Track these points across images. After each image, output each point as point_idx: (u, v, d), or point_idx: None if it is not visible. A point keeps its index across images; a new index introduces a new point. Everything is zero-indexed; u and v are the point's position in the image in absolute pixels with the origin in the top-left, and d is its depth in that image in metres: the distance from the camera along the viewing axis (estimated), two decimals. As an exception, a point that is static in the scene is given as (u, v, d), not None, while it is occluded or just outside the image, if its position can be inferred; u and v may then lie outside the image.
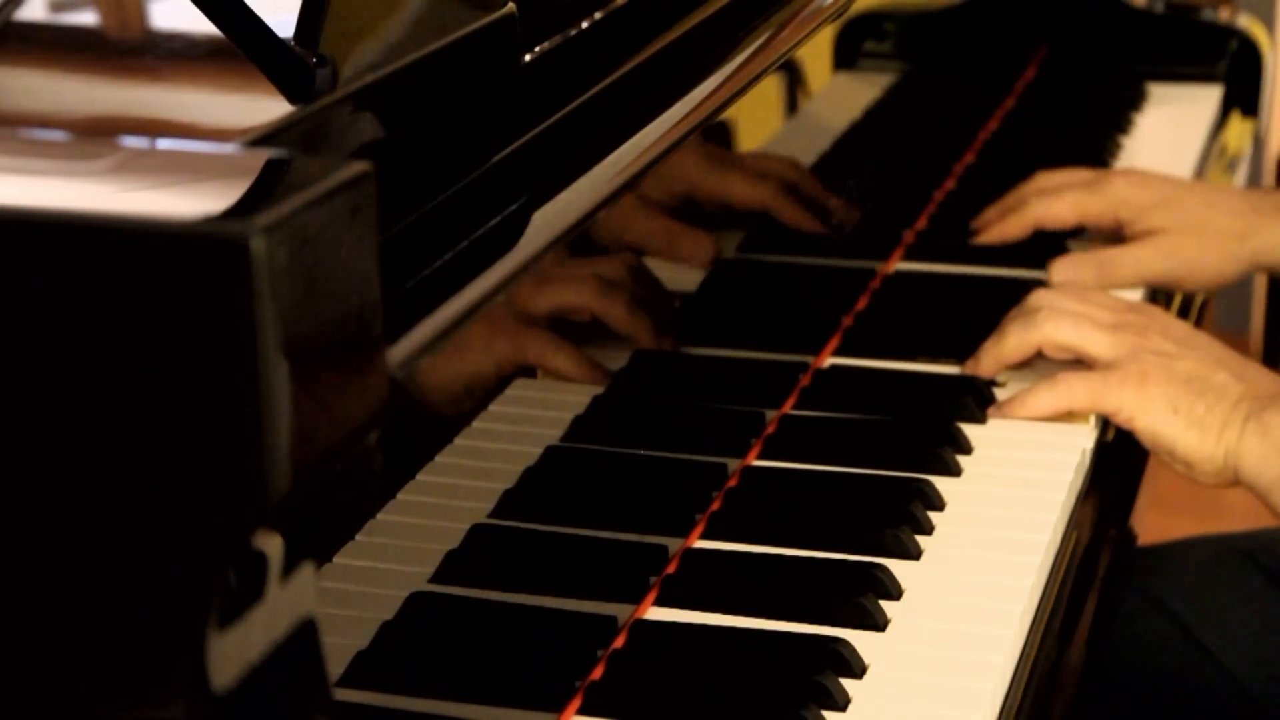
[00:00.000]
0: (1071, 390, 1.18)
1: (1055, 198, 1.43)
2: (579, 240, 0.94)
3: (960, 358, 1.27)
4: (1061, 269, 1.38)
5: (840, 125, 1.42)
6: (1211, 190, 1.47)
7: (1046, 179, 1.47)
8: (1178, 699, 1.30)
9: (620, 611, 0.99)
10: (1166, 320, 1.24)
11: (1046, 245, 1.43)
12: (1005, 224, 1.44)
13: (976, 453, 1.17)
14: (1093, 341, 1.20)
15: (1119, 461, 1.23)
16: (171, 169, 0.69)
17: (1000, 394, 1.23)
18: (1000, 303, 1.30)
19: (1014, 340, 1.23)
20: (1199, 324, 1.50)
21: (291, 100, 0.78)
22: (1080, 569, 1.12)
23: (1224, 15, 1.92)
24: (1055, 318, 1.21)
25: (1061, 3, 1.91)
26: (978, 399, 1.22)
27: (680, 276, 1.14)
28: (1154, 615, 1.30)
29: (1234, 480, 1.16)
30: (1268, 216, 1.41)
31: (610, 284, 1.02)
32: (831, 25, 1.34)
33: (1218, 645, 1.29)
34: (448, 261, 0.80)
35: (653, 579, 1.02)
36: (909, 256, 1.46)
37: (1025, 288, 1.32)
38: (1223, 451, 1.15)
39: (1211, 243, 1.40)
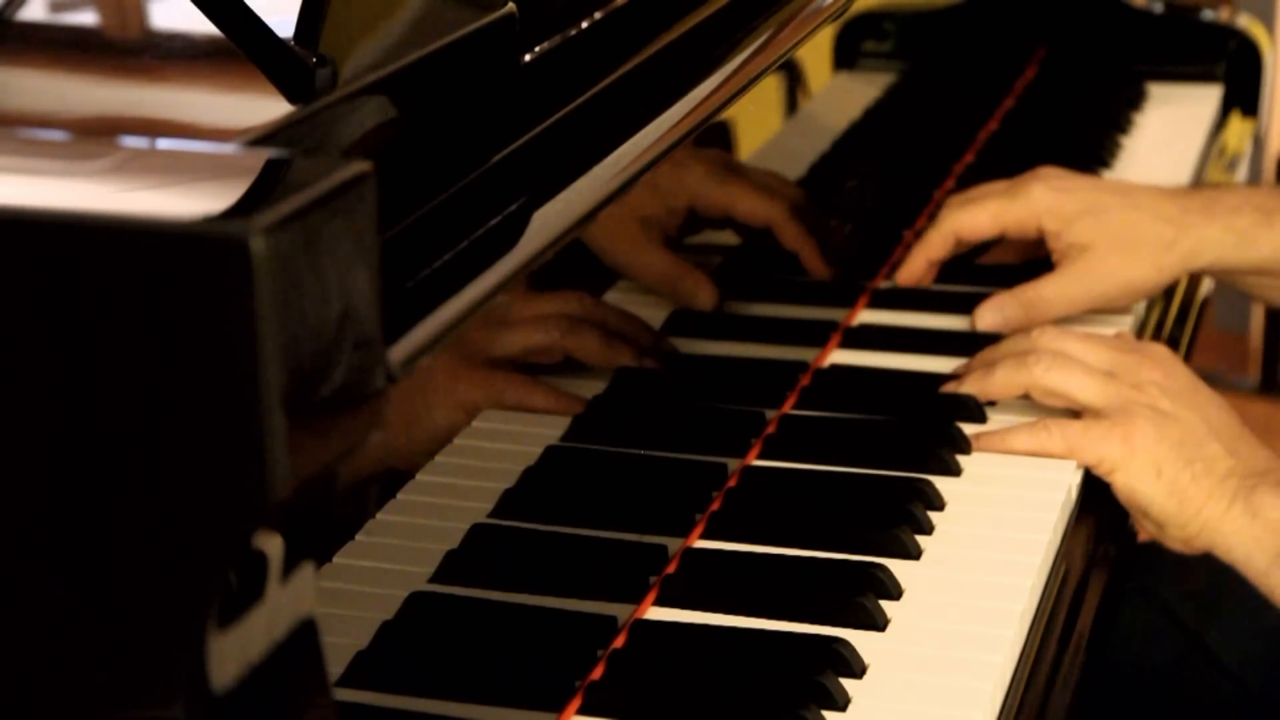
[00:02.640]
0: (1051, 437, 1.14)
1: (974, 207, 1.35)
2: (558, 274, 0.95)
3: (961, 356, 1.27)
4: (986, 315, 1.31)
5: (840, 125, 1.42)
6: (1138, 193, 1.37)
7: (958, 195, 1.39)
8: (1177, 697, 1.30)
9: (620, 611, 0.99)
10: (1169, 369, 1.18)
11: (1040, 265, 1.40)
12: (924, 242, 1.36)
13: (977, 453, 1.17)
14: (1082, 389, 1.16)
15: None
16: (171, 169, 0.69)
17: (991, 416, 1.22)
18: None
19: (1002, 378, 1.19)
20: (1198, 324, 1.50)
21: (291, 100, 0.78)
22: (1081, 570, 1.12)
23: (1224, 15, 1.92)
24: (1047, 362, 1.17)
25: (1061, 3, 1.91)
26: (978, 399, 1.22)
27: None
28: (1153, 613, 1.30)
29: (1203, 550, 1.13)
30: (1196, 215, 1.34)
31: (577, 320, 1.01)
32: (831, 25, 1.34)
33: (1217, 643, 1.29)
34: (448, 262, 0.80)
35: (653, 579, 1.02)
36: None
37: None
38: (1199, 526, 1.12)
39: (1140, 255, 1.33)
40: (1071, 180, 1.37)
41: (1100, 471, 1.13)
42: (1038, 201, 1.34)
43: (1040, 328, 1.22)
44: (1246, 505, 1.11)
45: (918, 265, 1.37)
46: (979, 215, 1.35)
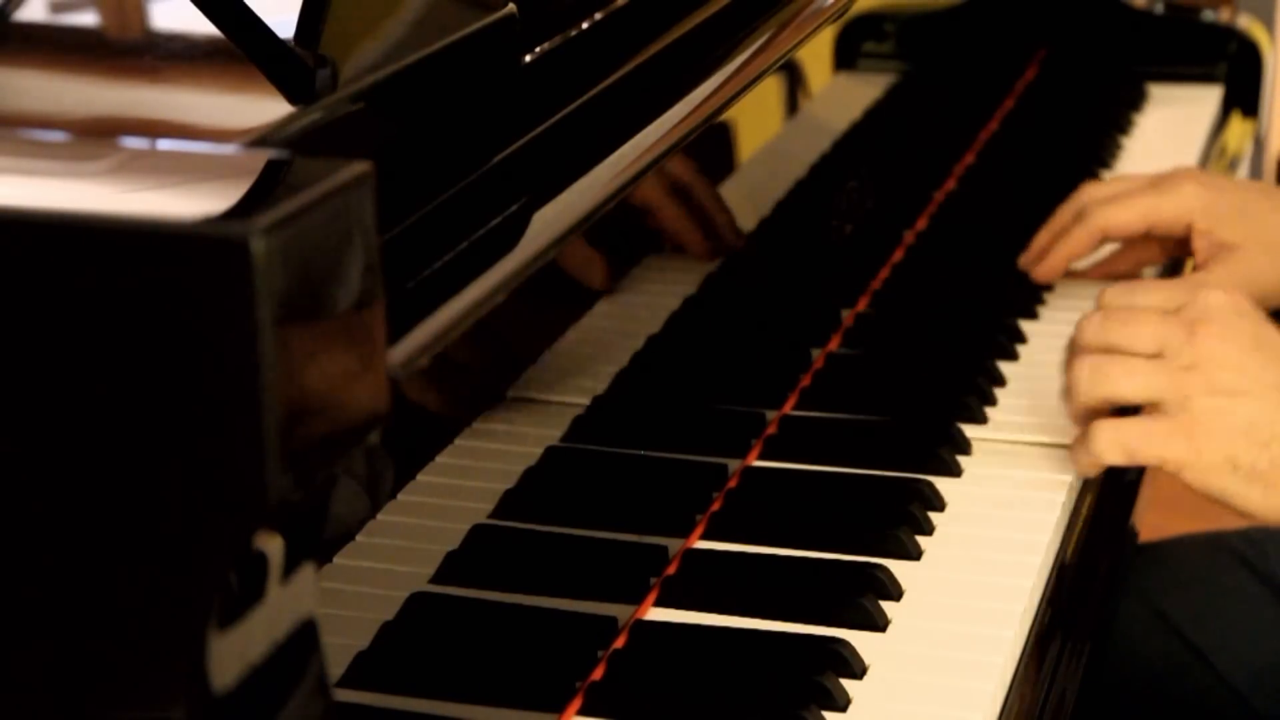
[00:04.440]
0: (1108, 448, 1.06)
1: (1123, 204, 1.32)
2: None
3: (961, 355, 1.27)
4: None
5: (840, 126, 1.42)
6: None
7: (1098, 189, 1.36)
8: (1169, 700, 1.29)
9: (620, 612, 0.99)
10: (1228, 328, 1.07)
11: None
12: (1070, 240, 1.33)
13: (977, 453, 1.17)
14: (1131, 389, 1.07)
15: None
16: (172, 170, 0.69)
17: (992, 416, 1.21)
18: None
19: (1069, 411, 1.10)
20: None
21: (292, 101, 0.78)
22: (1081, 570, 1.12)
23: (1224, 16, 1.92)
24: (1089, 372, 1.08)
25: (1061, 3, 1.91)
26: (979, 398, 1.22)
27: (682, 276, 1.14)
28: (1145, 615, 1.30)
29: None
30: None
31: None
32: (832, 26, 1.34)
33: (1209, 646, 1.28)
34: (448, 262, 0.80)
35: (653, 579, 1.02)
36: (909, 257, 1.46)
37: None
38: None
39: None
40: (1222, 180, 1.35)
41: (1168, 469, 1.06)
42: (1190, 198, 1.32)
43: (1082, 321, 1.12)
44: None
45: (1058, 262, 1.34)
46: (1128, 212, 1.32)
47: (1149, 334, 1.08)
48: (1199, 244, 1.33)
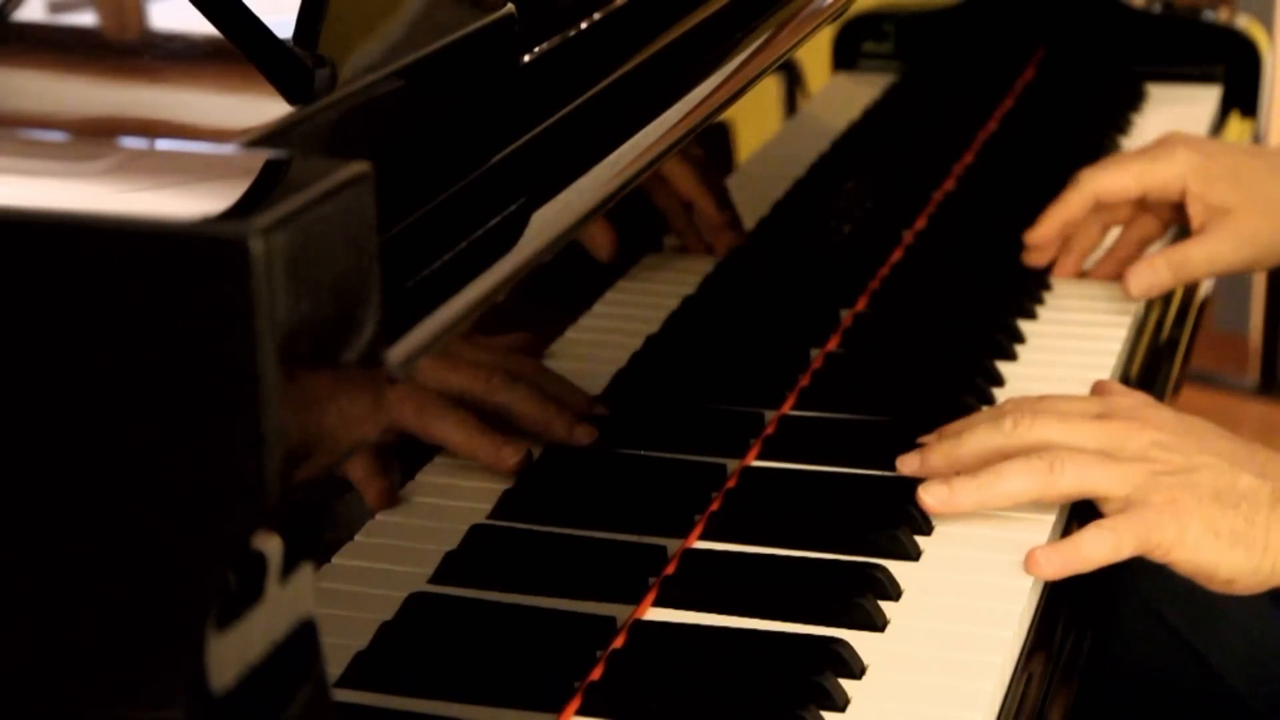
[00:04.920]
0: (1102, 546, 1.04)
1: (1116, 168, 1.35)
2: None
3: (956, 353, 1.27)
4: (1141, 280, 1.31)
5: (839, 126, 1.42)
6: (1276, 157, 1.36)
7: (1097, 178, 1.37)
8: (1168, 703, 1.29)
9: (619, 612, 0.99)
10: (1156, 420, 1.09)
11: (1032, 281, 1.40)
12: (1061, 201, 1.35)
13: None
14: (1107, 485, 1.06)
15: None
16: (170, 170, 0.69)
17: (1000, 397, 1.21)
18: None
19: (1012, 488, 1.06)
20: (1198, 324, 1.50)
21: (290, 101, 0.78)
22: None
23: (1223, 16, 1.92)
24: (1057, 464, 1.06)
25: (1060, 3, 1.91)
26: (977, 398, 1.22)
27: (681, 276, 1.14)
28: (1143, 618, 1.30)
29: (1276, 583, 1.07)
30: None
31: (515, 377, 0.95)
32: (830, 26, 1.34)
33: (1208, 648, 1.28)
34: (447, 262, 0.80)
35: (652, 579, 1.02)
36: (908, 257, 1.46)
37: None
38: (1270, 562, 1.05)
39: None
40: (1213, 143, 1.37)
41: (1156, 556, 1.05)
42: (1182, 162, 1.33)
43: (1011, 415, 1.09)
44: None
45: (1052, 226, 1.35)
46: (1122, 176, 1.34)
47: (1093, 432, 1.08)
48: (1194, 208, 1.34)
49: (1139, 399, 1.13)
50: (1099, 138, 1.73)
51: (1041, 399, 1.12)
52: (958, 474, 1.08)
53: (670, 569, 1.04)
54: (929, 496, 1.07)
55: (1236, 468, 1.06)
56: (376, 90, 0.82)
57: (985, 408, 1.19)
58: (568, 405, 1.00)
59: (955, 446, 1.09)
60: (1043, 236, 1.38)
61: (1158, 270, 1.33)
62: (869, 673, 0.95)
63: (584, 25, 1.02)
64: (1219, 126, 1.84)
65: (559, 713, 0.92)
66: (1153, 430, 1.08)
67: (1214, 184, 1.33)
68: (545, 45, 0.97)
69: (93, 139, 0.78)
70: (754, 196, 1.24)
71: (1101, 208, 1.37)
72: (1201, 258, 1.33)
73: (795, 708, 0.91)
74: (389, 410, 0.68)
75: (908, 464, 1.10)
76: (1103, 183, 1.35)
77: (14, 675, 0.66)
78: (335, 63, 0.79)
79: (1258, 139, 1.90)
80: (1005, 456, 1.08)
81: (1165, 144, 1.36)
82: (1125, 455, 1.06)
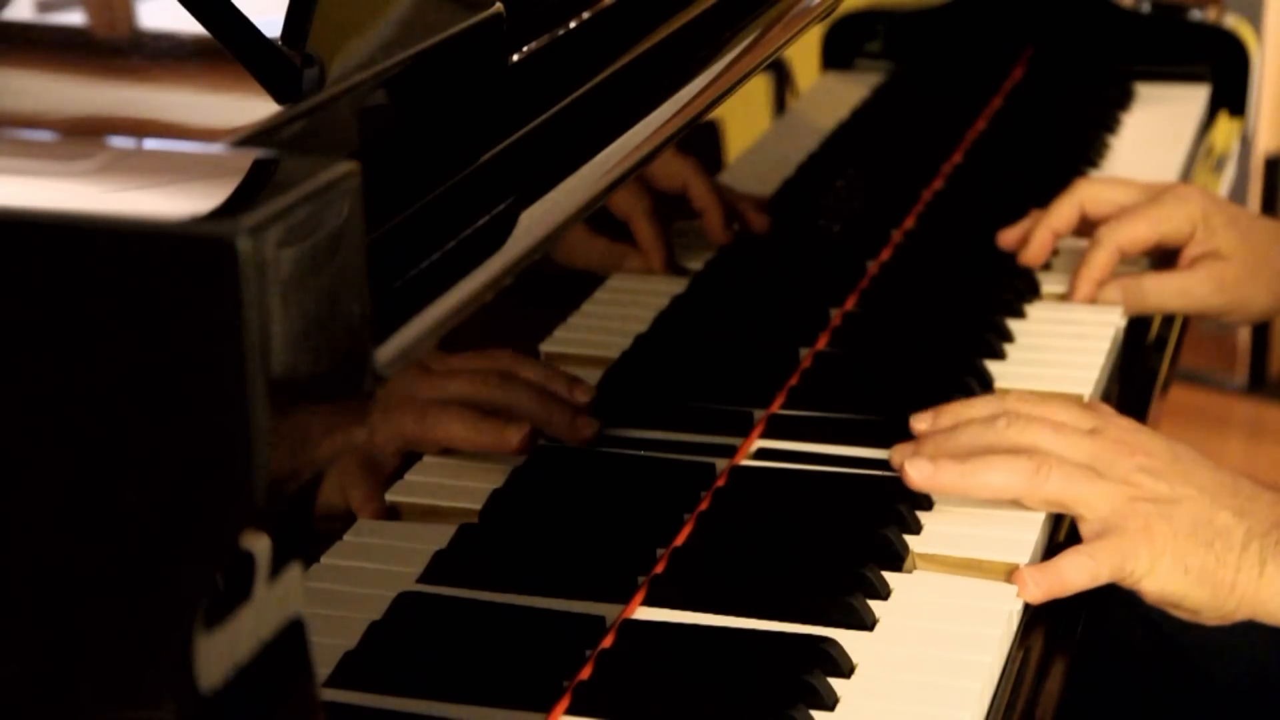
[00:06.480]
0: (1077, 572, 1.04)
1: (1131, 220, 1.37)
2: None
3: (952, 352, 1.27)
4: (1091, 288, 1.35)
5: (828, 125, 1.42)
6: (1271, 221, 1.42)
7: (1093, 189, 1.40)
8: (1153, 704, 1.30)
9: (608, 611, 0.99)
10: (1146, 446, 1.09)
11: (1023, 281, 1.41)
12: (1087, 263, 1.36)
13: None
14: (1090, 504, 1.06)
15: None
16: (158, 169, 0.69)
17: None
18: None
19: (998, 480, 1.07)
20: (1185, 324, 1.50)
21: (279, 100, 0.78)
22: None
23: (1211, 15, 1.93)
24: (1046, 470, 1.06)
25: (1049, 3, 1.91)
26: (967, 397, 1.22)
27: (670, 275, 1.14)
28: (1129, 618, 1.30)
29: (1245, 619, 1.08)
30: None
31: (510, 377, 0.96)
32: (819, 25, 1.34)
33: (1192, 649, 1.28)
34: (436, 261, 0.80)
35: (641, 579, 1.02)
36: (897, 256, 1.46)
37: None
38: (1235, 602, 1.06)
39: (1263, 277, 1.38)
40: (1223, 198, 1.43)
41: (1127, 583, 1.06)
42: (1196, 208, 1.37)
43: (1006, 415, 1.10)
44: (1278, 565, 1.05)
45: (1087, 287, 1.37)
46: (1138, 227, 1.37)
47: (1083, 446, 1.08)
48: (1190, 249, 1.37)
49: (1132, 423, 1.13)
50: (1088, 137, 1.73)
51: (1038, 403, 1.12)
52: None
53: (659, 568, 1.04)
54: (914, 471, 1.07)
55: (1216, 504, 1.06)
56: (365, 89, 0.82)
57: (983, 395, 1.20)
58: (566, 398, 1.00)
59: (947, 439, 1.10)
60: (1038, 250, 1.41)
61: (1110, 290, 1.36)
62: (858, 672, 0.95)
63: (572, 25, 1.02)
64: (1207, 126, 1.84)
65: (548, 712, 0.92)
66: (1141, 455, 1.08)
67: (1215, 231, 1.37)
68: (533, 44, 0.97)
69: (81, 138, 0.78)
70: (743, 196, 1.24)
71: (1124, 257, 1.39)
72: (1174, 289, 1.37)
73: (785, 706, 0.91)
74: (378, 411, 0.68)
75: (901, 454, 1.10)
76: (1122, 237, 1.37)
77: (3, 676, 0.66)
78: (323, 62, 0.79)
79: (1245, 138, 1.90)
80: (995, 453, 1.08)
81: (1175, 191, 1.40)
82: (1111, 475, 1.07)
